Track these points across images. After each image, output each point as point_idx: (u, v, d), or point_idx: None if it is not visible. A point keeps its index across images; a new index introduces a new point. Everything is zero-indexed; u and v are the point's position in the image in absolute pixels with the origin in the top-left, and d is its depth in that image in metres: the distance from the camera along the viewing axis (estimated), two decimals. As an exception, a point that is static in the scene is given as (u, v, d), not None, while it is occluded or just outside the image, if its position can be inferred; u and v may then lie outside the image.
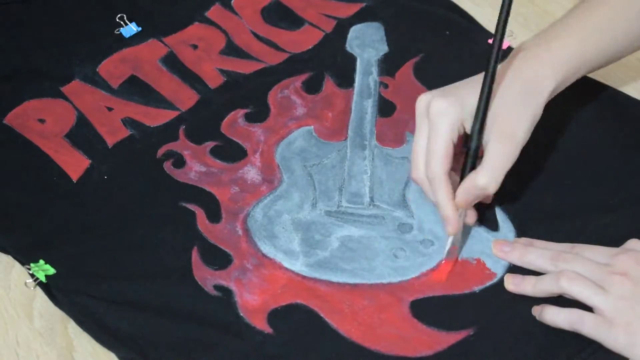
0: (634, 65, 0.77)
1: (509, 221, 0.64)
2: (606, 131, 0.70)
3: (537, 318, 0.58)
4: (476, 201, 0.61)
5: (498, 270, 0.61)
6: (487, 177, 0.58)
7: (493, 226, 0.64)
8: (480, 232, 0.63)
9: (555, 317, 0.57)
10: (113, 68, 0.76)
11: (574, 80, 0.64)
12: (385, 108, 0.72)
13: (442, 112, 0.59)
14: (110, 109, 0.73)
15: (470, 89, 0.60)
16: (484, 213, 0.64)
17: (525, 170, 0.67)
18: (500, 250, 0.61)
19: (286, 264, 0.62)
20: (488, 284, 0.61)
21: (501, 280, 0.61)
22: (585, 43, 0.63)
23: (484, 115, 0.59)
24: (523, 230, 0.63)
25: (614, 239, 0.62)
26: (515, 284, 0.59)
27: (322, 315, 0.59)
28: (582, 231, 0.63)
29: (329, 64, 0.76)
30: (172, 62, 0.76)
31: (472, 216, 0.62)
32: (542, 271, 0.59)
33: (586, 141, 0.69)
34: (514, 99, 0.60)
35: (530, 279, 0.59)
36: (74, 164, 0.69)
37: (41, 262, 0.62)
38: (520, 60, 0.62)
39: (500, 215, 0.64)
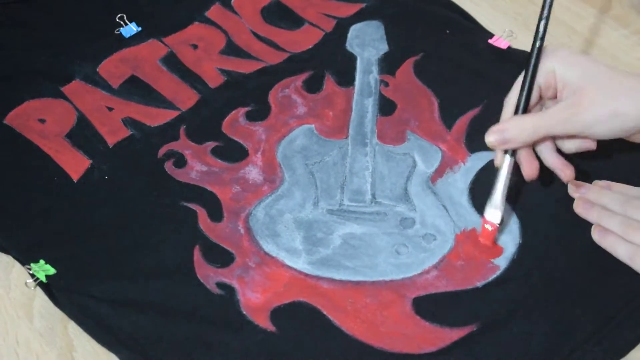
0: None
1: (512, 212, 0.64)
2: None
3: (595, 239, 0.60)
4: (509, 144, 0.59)
5: (501, 263, 0.61)
6: (530, 123, 0.59)
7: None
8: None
9: (615, 246, 0.59)
10: (113, 68, 0.76)
11: None
12: (386, 107, 0.72)
13: (547, 51, 0.60)
14: (110, 109, 0.73)
15: (591, 63, 0.59)
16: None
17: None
18: (576, 191, 0.62)
19: (288, 262, 0.62)
20: (491, 278, 0.60)
21: (504, 274, 0.60)
22: None
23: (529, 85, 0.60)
24: (526, 221, 0.63)
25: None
26: (584, 208, 0.61)
27: (324, 312, 0.59)
28: (585, 222, 0.63)
29: (329, 63, 0.76)
30: (172, 62, 0.76)
31: (529, 165, 0.61)
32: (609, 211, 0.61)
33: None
34: (621, 86, 0.57)
35: (611, 236, 0.60)
36: (75, 164, 0.69)
37: (41, 262, 0.62)
38: None
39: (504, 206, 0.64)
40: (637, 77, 0.58)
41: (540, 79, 0.60)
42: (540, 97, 0.62)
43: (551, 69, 0.60)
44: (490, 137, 0.59)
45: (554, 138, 0.62)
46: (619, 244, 0.59)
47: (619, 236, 0.59)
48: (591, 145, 0.61)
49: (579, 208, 0.62)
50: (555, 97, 0.62)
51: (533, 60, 0.60)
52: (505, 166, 0.60)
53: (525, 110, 0.61)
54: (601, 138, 0.60)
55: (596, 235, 0.61)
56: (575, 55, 0.60)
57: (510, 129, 0.59)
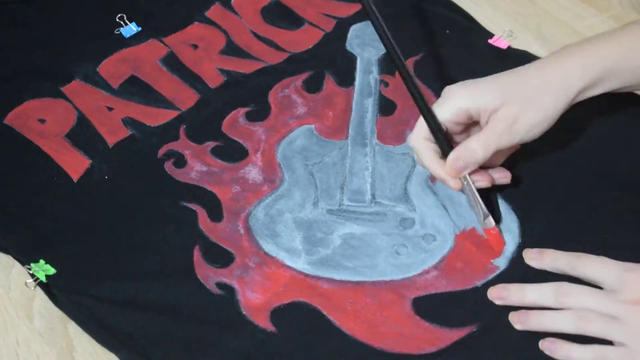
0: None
1: (512, 212, 0.64)
2: (609, 123, 0.70)
3: (548, 354, 0.56)
4: (468, 169, 0.60)
5: (501, 263, 0.61)
6: (479, 143, 0.59)
7: (496, 217, 0.63)
8: (483, 224, 0.63)
9: (576, 355, 0.55)
10: (113, 68, 0.76)
11: (610, 88, 0.62)
12: (386, 107, 0.72)
13: (446, 93, 0.61)
14: (110, 109, 0.73)
15: (491, 83, 0.61)
16: (487, 205, 0.64)
17: (528, 161, 0.67)
18: (498, 295, 0.59)
19: (288, 262, 0.62)
20: (490, 278, 0.60)
21: (503, 274, 0.60)
22: (624, 49, 0.61)
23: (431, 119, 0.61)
24: (526, 221, 0.63)
25: (615, 229, 0.62)
26: (522, 322, 0.57)
27: (324, 313, 0.59)
28: (584, 222, 0.63)
29: (329, 63, 0.76)
30: (172, 62, 0.76)
31: (483, 177, 0.62)
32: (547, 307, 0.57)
33: (589, 133, 0.69)
34: (533, 89, 0.60)
35: (539, 316, 0.57)
36: (75, 164, 0.69)
37: (41, 262, 0.62)
38: (552, 56, 0.62)
39: (503, 206, 0.64)
40: (522, 75, 0.61)
41: (446, 121, 0.61)
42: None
43: (459, 107, 0.60)
44: (449, 169, 0.60)
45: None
46: (571, 346, 0.56)
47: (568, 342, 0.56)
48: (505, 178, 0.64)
49: (517, 325, 0.58)
50: (464, 132, 0.63)
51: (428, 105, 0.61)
52: (469, 183, 0.61)
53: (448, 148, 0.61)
54: (534, 138, 0.61)
55: (545, 346, 0.57)
56: (472, 84, 0.61)
57: (462, 156, 0.60)
